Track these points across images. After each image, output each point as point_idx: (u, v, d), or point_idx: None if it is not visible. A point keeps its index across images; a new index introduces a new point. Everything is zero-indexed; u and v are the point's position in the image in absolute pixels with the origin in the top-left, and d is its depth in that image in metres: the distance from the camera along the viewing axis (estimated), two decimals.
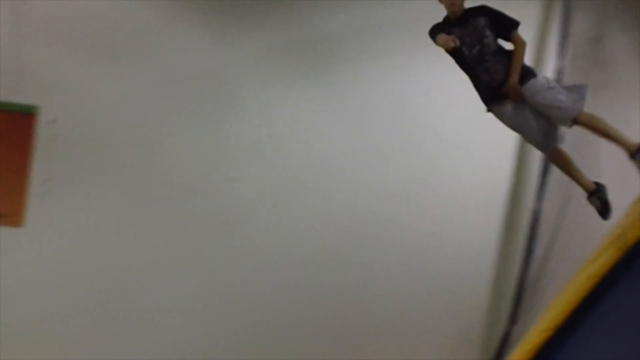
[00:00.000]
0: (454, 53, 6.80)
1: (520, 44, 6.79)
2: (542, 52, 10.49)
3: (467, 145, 10.73)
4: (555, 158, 6.83)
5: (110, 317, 10.17)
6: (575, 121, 6.62)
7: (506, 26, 6.81)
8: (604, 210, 6.54)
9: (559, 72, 9.91)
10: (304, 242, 10.48)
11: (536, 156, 9.91)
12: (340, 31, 10.63)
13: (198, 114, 10.46)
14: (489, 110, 6.80)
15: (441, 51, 6.66)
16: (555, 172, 9.53)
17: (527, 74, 6.76)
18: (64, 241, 10.14)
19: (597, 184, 6.61)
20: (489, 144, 10.69)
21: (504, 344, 9.74)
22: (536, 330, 7.04)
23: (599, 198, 6.55)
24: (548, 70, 10.04)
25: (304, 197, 10.45)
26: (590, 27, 10.15)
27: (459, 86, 9.84)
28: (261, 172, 10.47)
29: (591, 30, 10.15)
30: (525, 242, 10.12)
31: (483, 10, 6.83)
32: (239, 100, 10.47)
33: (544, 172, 9.86)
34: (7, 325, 9.89)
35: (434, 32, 6.79)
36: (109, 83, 10.35)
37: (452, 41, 6.61)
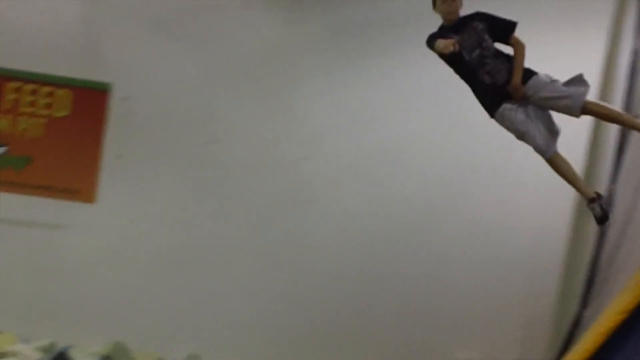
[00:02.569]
0: (453, 60, 6.84)
1: (519, 45, 6.88)
2: (619, 33, 10.30)
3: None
4: (556, 163, 6.83)
5: (179, 292, 10.26)
6: (584, 110, 6.71)
7: (504, 29, 6.89)
8: (603, 217, 6.61)
9: (636, 53, 9.73)
10: (369, 224, 10.44)
11: (611, 137, 9.74)
12: (409, 13, 10.54)
13: (266, 93, 10.47)
14: (492, 116, 6.85)
15: None
16: (630, 155, 9.42)
17: (528, 72, 6.80)
18: (134, 216, 10.26)
19: (597, 193, 6.66)
20: (562, 125, 10.53)
21: (576, 327, 9.61)
22: (610, 313, 6.95)
23: (600, 205, 6.61)
24: (625, 52, 9.89)
25: (371, 179, 10.40)
26: None
27: (537, 59, 9.87)
28: (326, 154, 10.45)
29: None
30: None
31: (479, 15, 6.92)
32: (306, 81, 10.46)
33: (619, 154, 9.67)
34: (79, 298, 10.04)
35: (432, 41, 6.85)
36: (180, 61, 10.42)
37: (452, 45, 6.63)
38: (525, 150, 10.42)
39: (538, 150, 6.82)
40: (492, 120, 10.51)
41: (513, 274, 10.26)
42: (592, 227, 9.92)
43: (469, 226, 10.30)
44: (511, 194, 10.32)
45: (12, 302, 9.88)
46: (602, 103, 6.93)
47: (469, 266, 10.38)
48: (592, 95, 9.97)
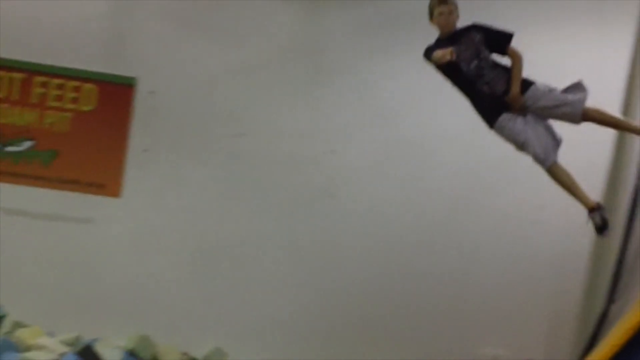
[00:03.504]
0: (451, 71, 6.90)
1: (517, 55, 6.93)
2: None
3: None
4: (555, 173, 6.88)
5: (204, 286, 10.28)
6: (585, 117, 6.75)
7: (500, 40, 6.97)
8: (602, 227, 6.68)
9: None
10: (396, 219, 10.41)
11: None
12: None
13: (292, 88, 10.47)
14: (491, 127, 6.88)
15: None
16: None
17: (526, 82, 6.85)
18: (160, 211, 10.28)
19: (598, 203, 6.74)
20: (586, 131, 10.49)
21: (602, 322, 9.55)
22: (637, 308, 6.88)
23: (600, 215, 6.68)
24: None
25: (397, 173, 10.36)
26: None
27: (563, 60, 9.85)
28: (353, 148, 10.42)
29: None
30: (625, 220, 9.90)
31: (475, 27, 7.00)
32: (333, 75, 10.44)
33: None
34: (104, 292, 10.08)
35: (429, 53, 6.92)
36: (206, 55, 10.43)
37: (449, 54, 6.66)
38: None
39: (537, 159, 6.88)
40: None
41: (539, 269, 10.21)
42: (619, 221, 9.88)
43: (494, 222, 10.26)
44: (537, 190, 10.18)
45: (37, 295, 9.94)
46: (602, 109, 6.92)
47: (495, 262, 10.33)
48: (617, 94, 10.13)
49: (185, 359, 9.87)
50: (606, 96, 10.32)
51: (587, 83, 6.95)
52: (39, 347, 8.99)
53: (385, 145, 10.44)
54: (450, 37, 6.98)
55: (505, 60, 7.02)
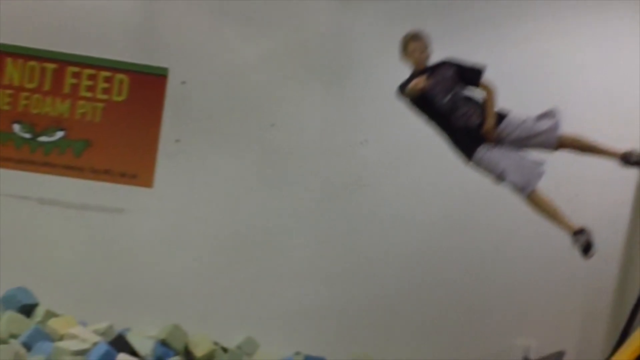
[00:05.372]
0: (425, 105, 7.04)
1: (490, 89, 7.08)
2: None
3: (600, 116, 10.48)
4: (534, 201, 6.96)
5: (236, 276, 10.29)
6: (560, 144, 6.93)
7: (473, 74, 7.12)
8: (587, 249, 6.80)
9: None
10: (428, 208, 10.38)
11: None
12: None
13: (327, 76, 10.44)
14: (469, 160, 7.00)
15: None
16: None
17: (500, 114, 6.99)
18: (192, 201, 10.30)
19: (582, 227, 6.84)
20: (621, 113, 10.44)
21: (635, 314, 9.49)
22: None
23: (584, 238, 6.79)
24: None
25: (429, 164, 10.31)
26: None
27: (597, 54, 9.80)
28: (389, 136, 10.39)
29: None
30: None
31: (447, 63, 7.18)
32: (365, 65, 10.39)
33: None
34: (136, 282, 10.12)
35: (402, 88, 7.11)
36: (237, 46, 10.43)
37: (422, 80, 6.87)
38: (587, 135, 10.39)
39: (516, 188, 6.92)
40: (564, 95, 10.47)
41: (573, 261, 10.08)
42: None
43: (529, 212, 10.17)
44: (572, 182, 10.18)
45: (69, 285, 10.00)
46: (577, 135, 6.99)
47: (529, 253, 10.29)
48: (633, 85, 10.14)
49: (217, 348, 9.88)
50: (622, 87, 10.42)
51: (558, 111, 7.16)
52: (72, 337, 9.02)
53: (417, 135, 10.34)
54: (422, 73, 7.12)
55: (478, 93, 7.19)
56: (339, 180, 10.39)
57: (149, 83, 10.27)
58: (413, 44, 7.21)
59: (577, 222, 10.07)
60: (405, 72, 10.33)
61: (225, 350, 9.95)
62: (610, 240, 10.23)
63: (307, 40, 10.50)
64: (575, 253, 10.16)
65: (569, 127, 10.05)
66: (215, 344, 9.91)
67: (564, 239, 10.13)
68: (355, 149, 10.42)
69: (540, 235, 9.99)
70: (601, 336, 10.35)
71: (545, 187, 10.11)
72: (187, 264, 10.21)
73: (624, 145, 10.01)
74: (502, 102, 10.04)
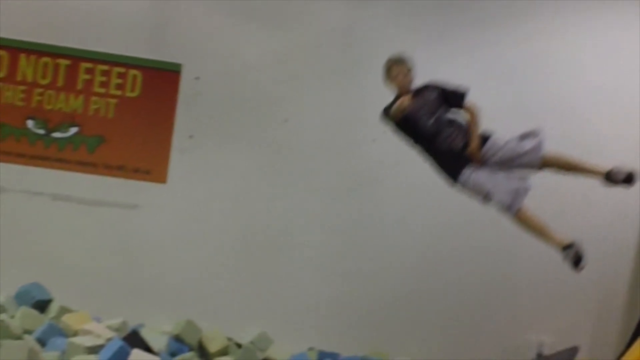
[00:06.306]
0: (410, 129, 7.10)
1: (474, 111, 7.10)
2: None
3: (600, 116, 10.48)
4: (522, 219, 6.94)
5: (249, 272, 10.30)
6: (544, 163, 6.94)
7: (456, 97, 7.16)
8: (577, 262, 6.77)
9: None
10: (440, 204, 10.34)
11: None
12: None
13: (340, 72, 10.43)
14: (455, 182, 7.03)
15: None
16: None
17: (484, 136, 7.03)
18: (205, 197, 10.30)
19: (571, 241, 6.79)
20: (621, 113, 10.44)
21: None
22: None
23: (574, 252, 6.75)
24: None
25: None
26: None
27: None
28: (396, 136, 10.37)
29: None
30: None
31: (430, 86, 7.22)
32: (382, 60, 10.34)
33: None
34: (149, 278, 10.13)
35: (387, 111, 7.15)
36: (251, 42, 10.42)
37: (407, 99, 6.93)
38: (602, 130, 10.37)
39: (502, 208, 6.91)
40: (571, 99, 10.44)
41: (587, 255, 10.09)
42: None
43: (540, 209, 10.15)
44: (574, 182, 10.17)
45: (83, 281, 10.01)
46: (559, 154, 6.98)
47: (543, 247, 10.24)
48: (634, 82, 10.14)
49: (231, 344, 9.89)
50: (622, 87, 10.42)
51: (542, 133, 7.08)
52: (86, 332, 9.03)
53: None
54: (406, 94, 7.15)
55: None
56: (351, 177, 10.38)
57: (162, 79, 10.28)
58: (396, 68, 7.27)
59: (591, 215, 10.22)
60: (418, 69, 10.43)
61: (239, 345, 9.96)
62: (624, 237, 10.23)
63: (320, 37, 10.49)
64: (589, 250, 10.23)
65: (569, 127, 10.28)
66: (229, 339, 9.92)
67: (576, 235, 10.19)
68: (365, 146, 10.40)
69: (555, 231, 9.98)
70: (614, 332, 10.34)
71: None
72: (200, 259, 10.22)
73: (623, 145, 10.19)
74: (503, 101, 10.20)
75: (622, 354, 8.99)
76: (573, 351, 9.37)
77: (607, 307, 10.39)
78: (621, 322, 10.24)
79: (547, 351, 10.14)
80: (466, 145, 7.01)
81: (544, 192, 10.19)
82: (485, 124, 9.67)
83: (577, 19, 10.57)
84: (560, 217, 10.07)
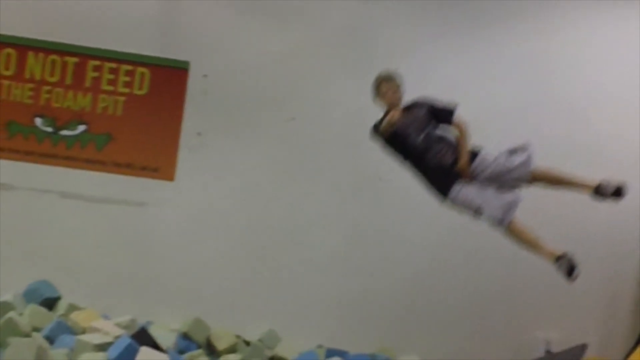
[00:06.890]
0: (399, 146, 7.12)
1: (462, 126, 7.13)
2: None
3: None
4: (513, 232, 6.95)
5: (257, 269, 10.31)
6: (533, 178, 6.95)
7: (445, 113, 7.17)
8: (570, 272, 6.80)
9: None
10: None
11: None
12: None
13: (348, 70, 10.42)
14: (445, 198, 7.03)
15: None
16: None
17: (473, 152, 7.05)
18: (213, 194, 10.31)
19: (564, 252, 6.80)
20: (621, 113, 10.41)
21: None
22: None
23: (567, 262, 6.77)
24: None
25: None
26: None
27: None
28: None
29: None
30: None
31: (419, 103, 7.22)
32: (390, 58, 10.33)
33: None
34: (158, 275, 10.14)
35: (377, 127, 7.14)
36: (259, 39, 10.43)
37: (397, 113, 6.95)
38: (614, 125, 10.35)
39: (494, 222, 6.91)
40: (578, 95, 10.42)
41: (595, 253, 10.10)
42: None
43: (551, 204, 10.14)
44: (593, 173, 10.13)
45: (92, 278, 10.03)
46: (548, 168, 7.00)
47: (550, 245, 10.23)
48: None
49: (239, 341, 9.89)
50: (622, 86, 10.41)
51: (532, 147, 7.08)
52: (94, 330, 9.03)
53: None
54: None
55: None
56: (360, 173, 10.39)
57: (170, 76, 10.28)
58: (386, 85, 7.28)
59: (599, 213, 10.21)
60: (427, 67, 10.44)
61: (247, 343, 9.97)
62: (633, 236, 10.22)
63: (329, 33, 10.50)
64: (598, 248, 10.24)
65: (569, 128, 10.28)
66: (237, 337, 9.93)
67: (584, 234, 10.19)
68: (373, 144, 10.37)
69: (562, 230, 9.98)
70: (623, 329, 10.34)
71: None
72: (208, 257, 10.22)
73: (623, 145, 10.19)
74: (502, 101, 10.19)
75: (631, 351, 8.99)
76: (582, 349, 9.34)
77: (616, 305, 10.38)
78: (629, 320, 10.24)
79: (555, 349, 10.13)
80: (456, 161, 7.04)
81: (551, 193, 10.31)
82: (485, 124, 9.80)
83: (577, 18, 10.57)
84: (570, 216, 10.20)
